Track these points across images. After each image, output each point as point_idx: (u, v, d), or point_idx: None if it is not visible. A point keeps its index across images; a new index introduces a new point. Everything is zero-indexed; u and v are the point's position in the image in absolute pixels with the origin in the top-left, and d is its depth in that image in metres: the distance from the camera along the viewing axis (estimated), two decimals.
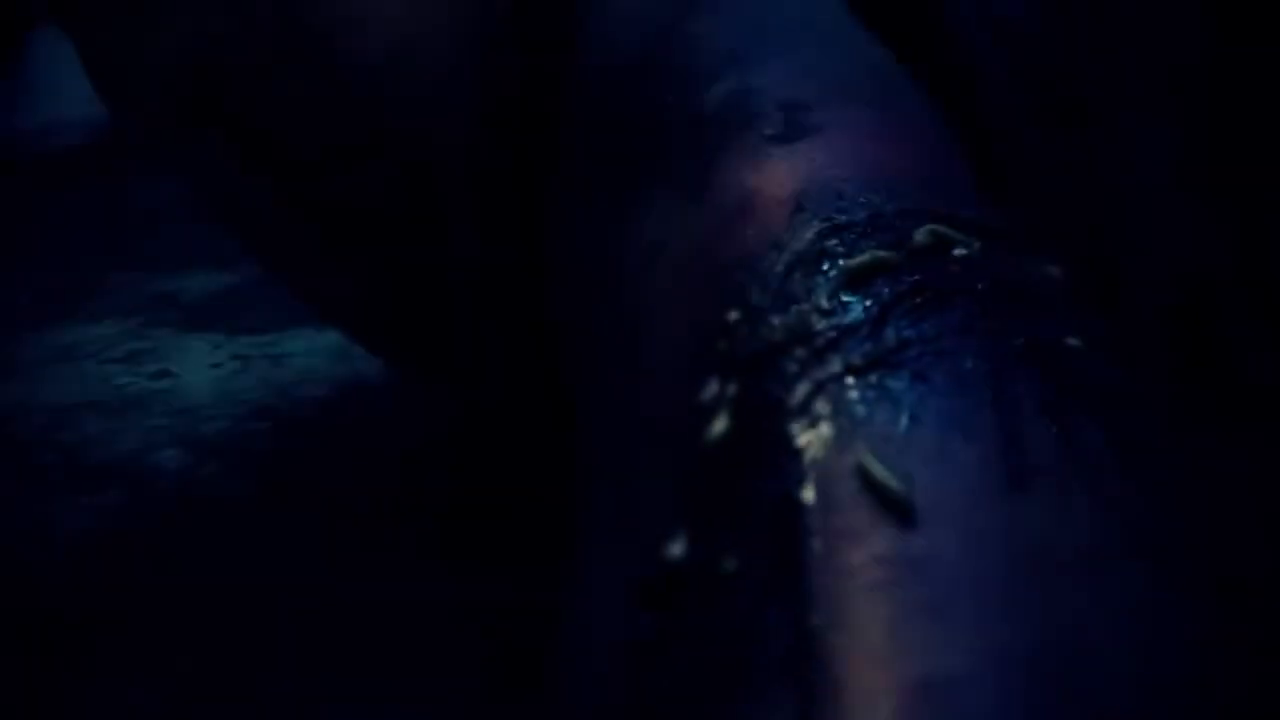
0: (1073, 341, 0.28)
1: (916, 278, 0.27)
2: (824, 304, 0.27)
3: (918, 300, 0.27)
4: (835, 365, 0.26)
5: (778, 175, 0.31)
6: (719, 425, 0.26)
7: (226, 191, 0.64)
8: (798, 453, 0.24)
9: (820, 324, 0.26)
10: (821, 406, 0.25)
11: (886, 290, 0.27)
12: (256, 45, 0.57)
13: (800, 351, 0.26)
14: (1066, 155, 0.47)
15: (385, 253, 0.61)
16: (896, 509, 0.23)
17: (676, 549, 0.25)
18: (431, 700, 0.51)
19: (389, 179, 0.58)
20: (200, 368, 0.94)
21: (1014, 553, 0.23)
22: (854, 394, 0.25)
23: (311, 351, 0.95)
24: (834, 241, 0.28)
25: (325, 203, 0.59)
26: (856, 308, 0.27)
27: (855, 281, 0.27)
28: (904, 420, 0.25)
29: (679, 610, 0.24)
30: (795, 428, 0.25)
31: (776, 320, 0.27)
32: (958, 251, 0.29)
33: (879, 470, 0.23)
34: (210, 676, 0.54)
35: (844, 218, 0.29)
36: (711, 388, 0.26)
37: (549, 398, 0.49)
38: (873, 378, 0.25)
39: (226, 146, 0.60)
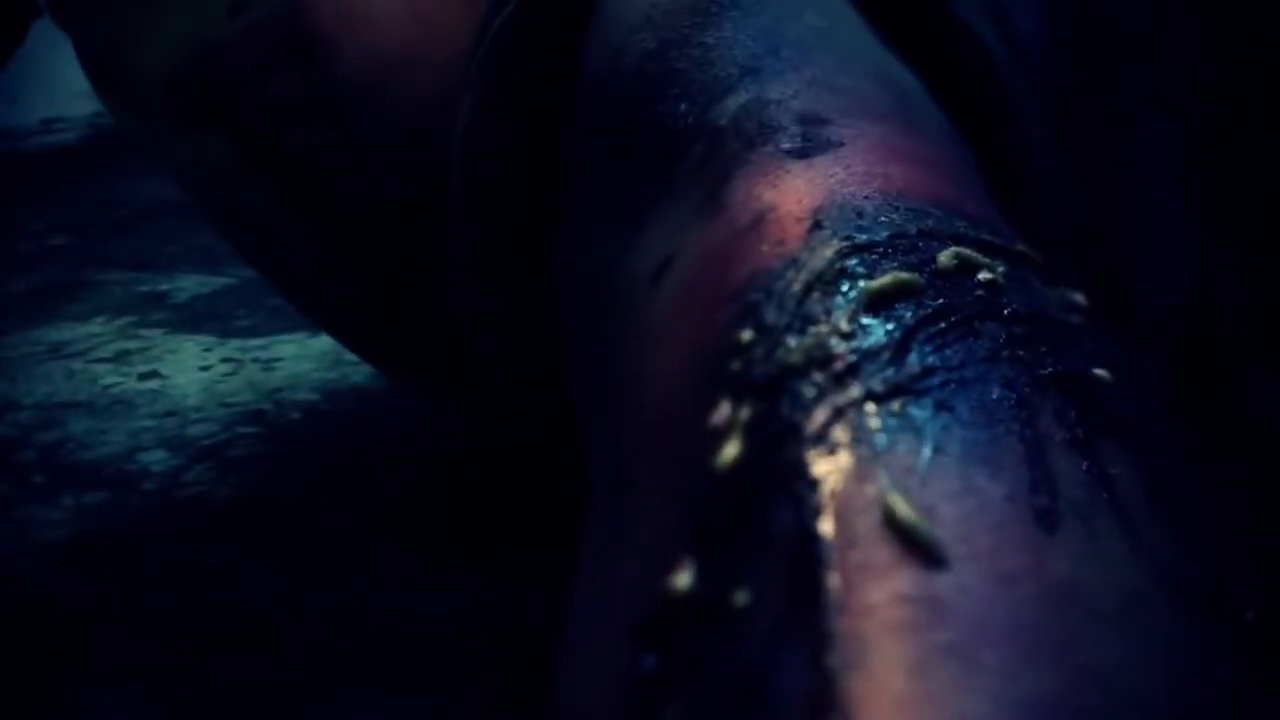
0: (1101, 373, 0.27)
1: (941, 301, 0.26)
2: (843, 326, 0.26)
3: (942, 325, 0.26)
4: (855, 391, 0.24)
5: (795, 191, 0.30)
6: (730, 450, 0.24)
7: (223, 194, 0.63)
8: (815, 482, 0.23)
9: (839, 347, 0.25)
10: (840, 434, 0.24)
11: (909, 314, 0.26)
12: (256, 46, 0.56)
13: (818, 375, 0.25)
14: (1080, 171, 0.46)
15: (384, 258, 0.60)
16: (924, 553, 0.21)
17: (681, 580, 0.23)
18: (422, 713, 0.50)
19: (388, 183, 0.57)
20: (189, 369, 0.93)
21: (1043, 594, 0.22)
22: (875, 422, 0.24)
23: (302, 356, 0.93)
24: (854, 261, 0.27)
25: (324, 206, 0.58)
26: (878, 331, 0.25)
27: (876, 303, 0.26)
28: (927, 451, 0.23)
29: (684, 646, 0.23)
30: (812, 455, 0.23)
31: (793, 342, 0.25)
32: (983, 276, 0.27)
33: (905, 510, 0.22)
34: (188, 685, 0.53)
35: (865, 237, 0.28)
36: (723, 410, 0.25)
37: (552, 410, 0.48)
38: (894, 405, 0.24)
39: (224, 148, 0.59)
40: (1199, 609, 0.24)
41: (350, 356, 0.91)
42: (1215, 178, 0.51)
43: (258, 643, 0.56)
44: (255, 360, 0.94)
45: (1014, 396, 0.25)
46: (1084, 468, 0.24)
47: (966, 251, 0.28)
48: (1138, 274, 0.48)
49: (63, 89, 1.76)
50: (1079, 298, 0.30)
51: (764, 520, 0.23)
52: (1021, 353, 0.26)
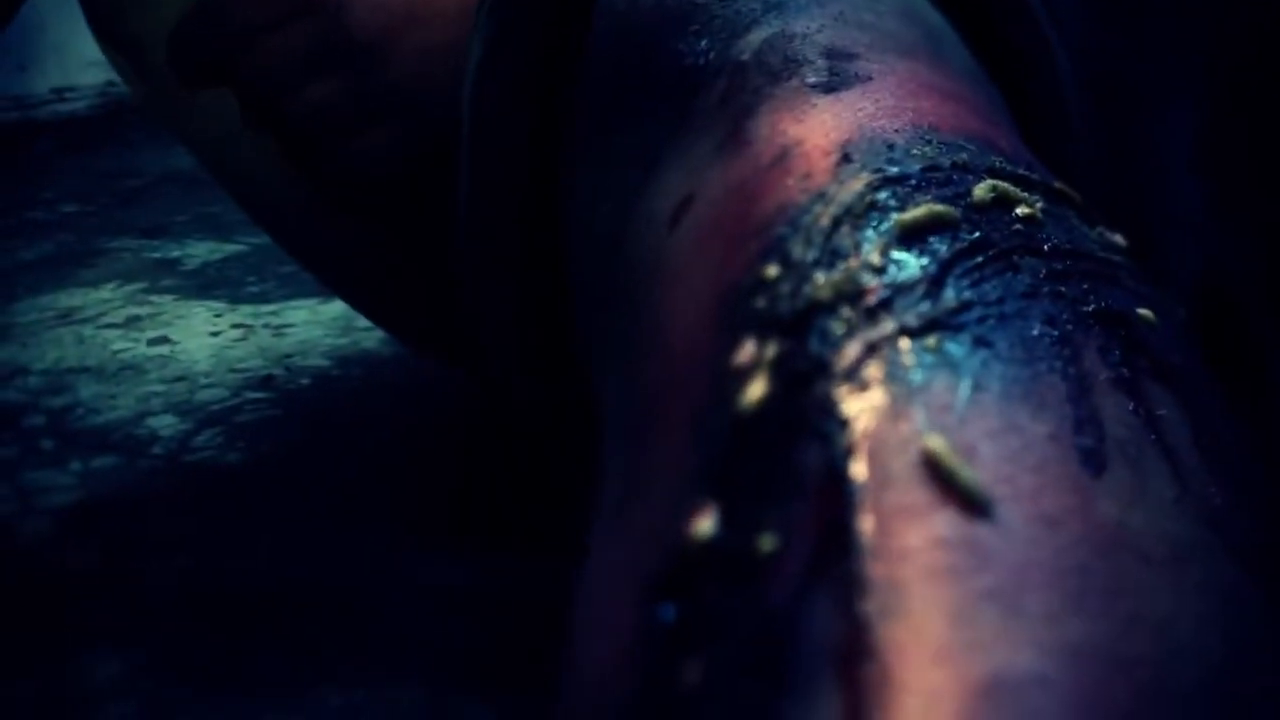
0: (1145, 313, 0.26)
1: (977, 235, 0.25)
2: (875, 260, 0.24)
3: (979, 259, 0.24)
4: (888, 326, 0.23)
5: (822, 125, 0.28)
6: (755, 390, 0.23)
7: (231, 155, 0.62)
8: (846, 421, 0.22)
9: (871, 281, 0.24)
10: (873, 371, 0.22)
11: (944, 247, 0.24)
12: (263, 5, 0.55)
13: (848, 311, 0.23)
14: (1102, 144, 0.45)
15: (391, 220, 0.59)
16: (964, 495, 0.20)
17: (703, 526, 0.22)
18: (426, 685, 0.49)
19: (395, 141, 0.56)
20: (200, 335, 0.92)
21: (1089, 537, 0.20)
22: (909, 358, 0.22)
23: (313, 323, 0.92)
24: (885, 194, 0.26)
25: (330, 165, 0.57)
26: (911, 265, 0.24)
27: (910, 237, 0.25)
28: (965, 388, 0.22)
29: (706, 595, 0.21)
30: (843, 393, 0.22)
31: (821, 277, 0.24)
32: (1021, 210, 0.26)
33: (943, 449, 0.21)
34: (190, 651, 0.52)
35: (896, 169, 0.26)
36: (747, 349, 0.24)
37: (563, 374, 0.47)
38: (930, 340, 0.23)
39: (231, 107, 0.58)
40: (1248, 559, 0.23)
41: (362, 323, 0.89)
42: (1233, 155, 0.49)
43: (263, 611, 0.55)
44: (266, 326, 0.92)
45: (1056, 333, 0.23)
46: (1130, 408, 0.23)
47: (1004, 185, 0.26)
48: (1155, 248, 0.47)
49: (74, 58, 1.74)
50: (1118, 238, 0.29)
51: (791, 462, 0.22)
52: (1063, 289, 0.24)
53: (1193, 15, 0.48)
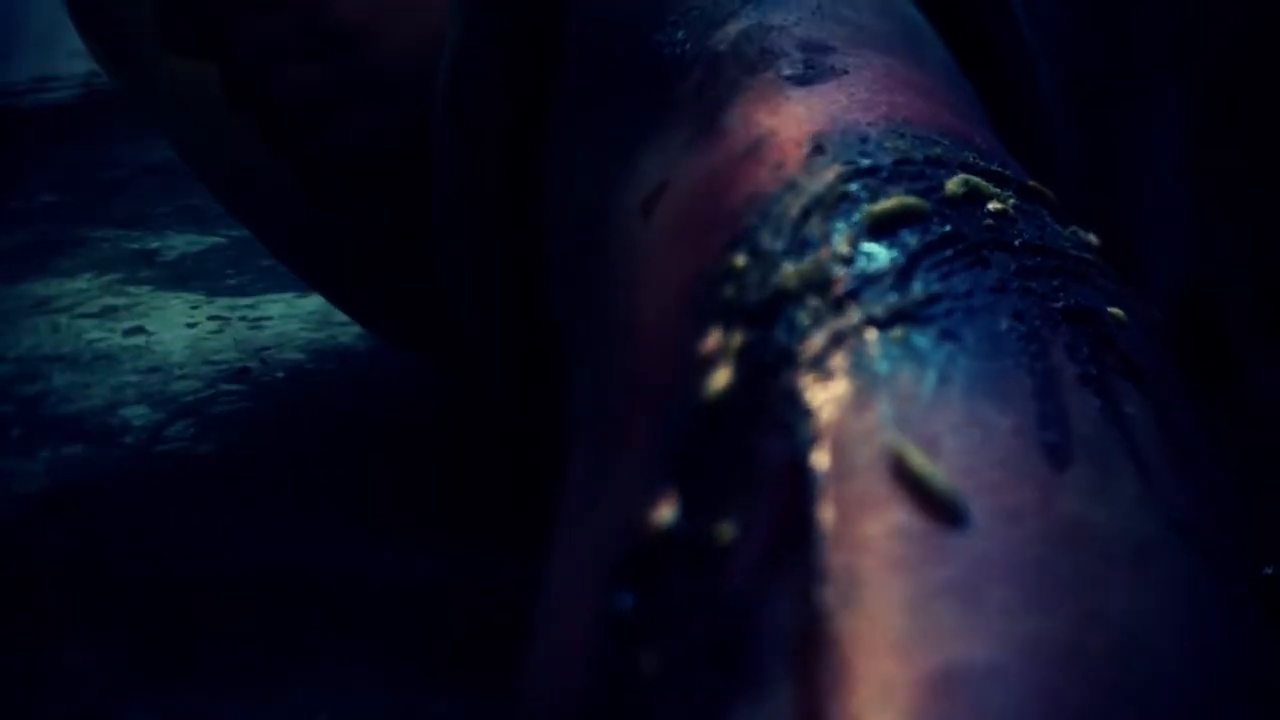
0: (1115, 311, 0.25)
1: (947, 229, 0.25)
2: (844, 250, 0.24)
3: (948, 253, 0.24)
4: (854, 316, 0.23)
5: (796, 116, 0.28)
6: (719, 378, 0.23)
7: (208, 136, 0.62)
8: (809, 411, 0.21)
9: (839, 271, 0.23)
10: (838, 361, 0.22)
11: (914, 239, 0.24)
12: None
13: (815, 301, 0.23)
14: (1087, 138, 0.45)
15: (367, 210, 0.58)
16: (925, 487, 0.20)
17: (663, 514, 0.22)
18: (393, 680, 0.49)
19: (375, 129, 0.55)
20: (176, 326, 0.91)
21: (1050, 532, 0.20)
22: (875, 349, 0.22)
23: (290, 316, 0.92)
24: (856, 185, 0.25)
25: (309, 150, 0.57)
26: (880, 256, 0.24)
27: (879, 228, 0.24)
28: (931, 381, 0.22)
29: (664, 584, 0.21)
30: (807, 382, 0.22)
31: (790, 266, 0.24)
32: (993, 205, 0.26)
33: (913, 451, 0.20)
34: (158, 641, 0.51)
35: (868, 161, 0.26)
36: (713, 337, 0.23)
37: (542, 369, 0.46)
38: (896, 332, 0.22)
39: (212, 84, 0.57)
40: (1213, 559, 0.22)
41: (339, 317, 0.89)
42: (1217, 163, 0.49)
43: (231, 602, 0.54)
44: (242, 319, 0.92)
45: (1023, 329, 0.23)
46: (1097, 405, 0.23)
47: (976, 180, 0.26)
48: (1136, 254, 0.47)
49: (57, 47, 1.74)
50: (1091, 237, 0.29)
51: (753, 451, 0.21)
52: (1032, 284, 0.24)
53: (1177, 19, 0.48)
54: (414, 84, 0.52)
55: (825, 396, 0.22)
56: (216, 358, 0.84)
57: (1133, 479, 0.22)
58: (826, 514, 0.20)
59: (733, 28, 0.32)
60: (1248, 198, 0.50)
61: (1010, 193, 0.27)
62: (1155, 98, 0.48)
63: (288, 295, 0.96)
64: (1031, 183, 0.28)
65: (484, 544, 0.57)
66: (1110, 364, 0.24)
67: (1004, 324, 0.23)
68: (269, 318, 0.92)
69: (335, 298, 0.72)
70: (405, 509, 0.62)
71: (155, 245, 1.15)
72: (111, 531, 0.60)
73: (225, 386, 0.79)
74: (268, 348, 0.85)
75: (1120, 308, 0.26)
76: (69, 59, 1.75)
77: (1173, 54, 0.48)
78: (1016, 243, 0.25)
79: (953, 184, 0.26)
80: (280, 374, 0.81)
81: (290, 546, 0.58)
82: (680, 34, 0.34)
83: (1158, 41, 0.48)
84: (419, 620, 0.52)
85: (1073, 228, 0.28)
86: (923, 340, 0.22)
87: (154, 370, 0.82)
